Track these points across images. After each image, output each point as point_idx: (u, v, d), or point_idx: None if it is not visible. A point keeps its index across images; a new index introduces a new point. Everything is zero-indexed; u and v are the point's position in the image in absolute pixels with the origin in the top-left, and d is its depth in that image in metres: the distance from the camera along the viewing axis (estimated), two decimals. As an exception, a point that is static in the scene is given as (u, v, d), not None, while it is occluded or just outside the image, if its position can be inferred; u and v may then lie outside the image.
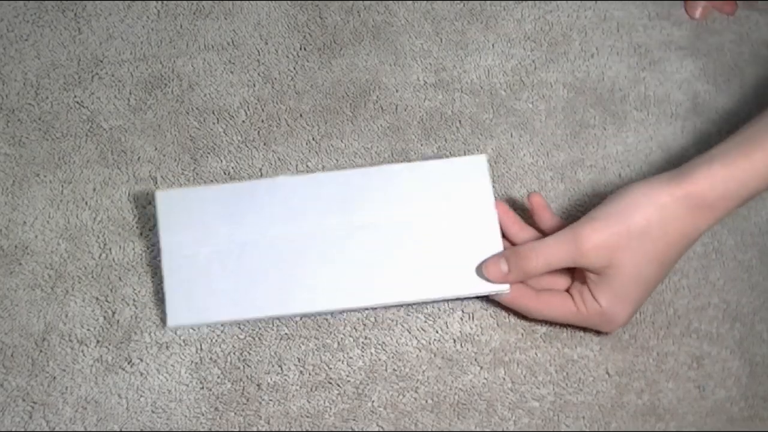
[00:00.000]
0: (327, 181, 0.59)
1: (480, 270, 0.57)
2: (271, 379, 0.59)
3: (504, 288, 0.57)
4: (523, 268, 0.55)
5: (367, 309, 0.60)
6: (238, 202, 0.58)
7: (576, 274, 0.58)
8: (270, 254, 0.58)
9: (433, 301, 0.60)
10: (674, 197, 0.53)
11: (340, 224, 0.58)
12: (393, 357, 0.60)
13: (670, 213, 0.53)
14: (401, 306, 0.60)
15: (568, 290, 0.58)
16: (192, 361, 0.59)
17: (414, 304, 0.60)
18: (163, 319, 0.59)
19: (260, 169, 0.64)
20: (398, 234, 0.58)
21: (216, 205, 0.58)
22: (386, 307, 0.60)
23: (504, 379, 0.59)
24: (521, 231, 0.59)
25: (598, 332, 0.60)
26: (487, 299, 0.60)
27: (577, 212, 0.65)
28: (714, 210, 0.53)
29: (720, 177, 0.53)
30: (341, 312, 0.60)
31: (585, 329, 0.60)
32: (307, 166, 0.65)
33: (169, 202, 0.58)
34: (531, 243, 0.56)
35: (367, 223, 0.58)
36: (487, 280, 0.57)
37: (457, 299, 0.60)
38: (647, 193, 0.54)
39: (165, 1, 0.70)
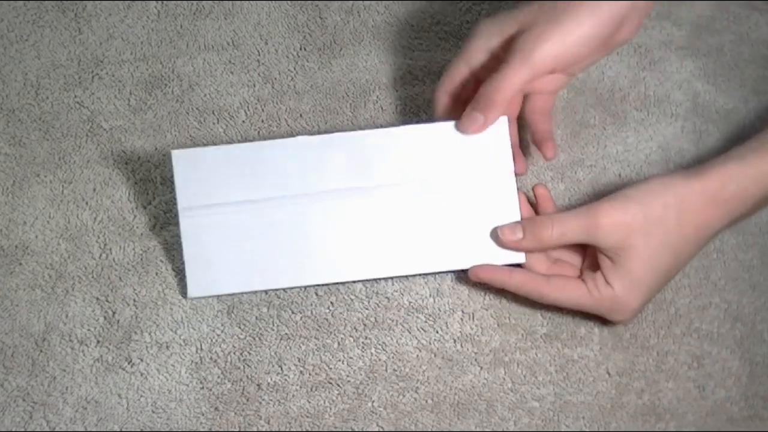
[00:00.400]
0: (345, 141, 0.57)
1: (495, 237, 0.57)
2: (271, 379, 0.59)
3: (519, 257, 0.56)
4: (539, 237, 0.55)
5: (382, 279, 0.59)
6: (255, 162, 0.57)
7: (588, 260, 0.58)
8: (288, 217, 0.57)
9: (448, 271, 0.59)
10: (692, 190, 0.54)
11: (357, 184, 0.57)
12: (393, 357, 0.60)
13: (687, 205, 0.54)
14: (415, 275, 0.60)
15: (579, 277, 0.58)
16: (192, 361, 0.59)
17: (429, 274, 0.59)
18: (183, 291, 0.58)
19: (260, 169, 0.64)
20: (415, 196, 0.57)
21: (233, 165, 0.57)
22: (401, 277, 0.59)
23: (504, 379, 0.59)
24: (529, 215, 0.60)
25: (604, 323, 0.60)
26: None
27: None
28: (729, 207, 0.54)
29: (735, 174, 0.54)
30: (355, 282, 0.60)
31: (594, 318, 0.59)
32: (307, 166, 0.65)
33: (185, 163, 0.57)
34: (548, 214, 0.57)
35: (384, 183, 0.57)
36: (503, 248, 0.57)
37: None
38: (666, 183, 0.55)
39: (165, 1, 0.70)
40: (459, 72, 0.58)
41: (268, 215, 0.56)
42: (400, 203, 0.57)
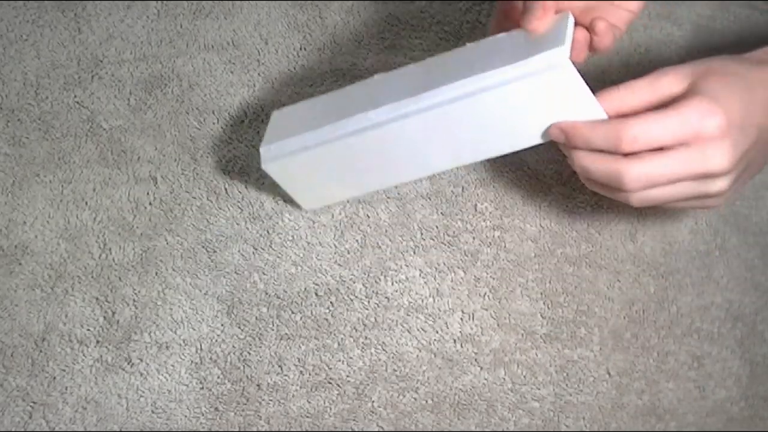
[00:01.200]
0: (417, 68, 0.56)
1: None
2: (271, 379, 0.59)
3: (600, 112, 0.50)
4: (605, 97, 0.51)
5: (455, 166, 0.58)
6: (337, 102, 0.57)
7: None
8: (370, 141, 0.56)
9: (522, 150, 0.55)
10: (738, 56, 0.53)
11: (429, 101, 0.54)
12: (393, 357, 0.59)
13: (738, 63, 0.52)
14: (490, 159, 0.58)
15: None
16: (192, 361, 0.59)
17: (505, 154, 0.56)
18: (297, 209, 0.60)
19: (260, 169, 0.64)
20: (484, 99, 0.52)
21: (317, 109, 0.58)
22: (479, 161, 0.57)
23: (504, 379, 0.59)
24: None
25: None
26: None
27: (577, 210, 0.65)
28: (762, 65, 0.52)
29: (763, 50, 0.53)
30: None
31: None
32: (307, 166, 0.65)
33: (278, 118, 0.60)
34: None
35: (454, 95, 0.53)
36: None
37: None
38: (718, 56, 0.53)
39: (165, 1, 0.70)
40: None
41: (350, 145, 0.56)
42: (471, 108, 0.53)
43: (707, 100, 0.49)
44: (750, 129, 0.50)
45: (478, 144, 0.54)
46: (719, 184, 0.50)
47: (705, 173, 0.49)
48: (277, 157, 0.57)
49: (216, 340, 0.59)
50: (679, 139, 0.49)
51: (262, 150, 0.57)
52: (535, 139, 0.53)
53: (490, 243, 0.64)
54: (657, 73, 0.51)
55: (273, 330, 0.60)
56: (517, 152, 0.54)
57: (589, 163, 0.51)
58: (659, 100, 0.51)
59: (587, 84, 0.49)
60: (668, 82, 0.51)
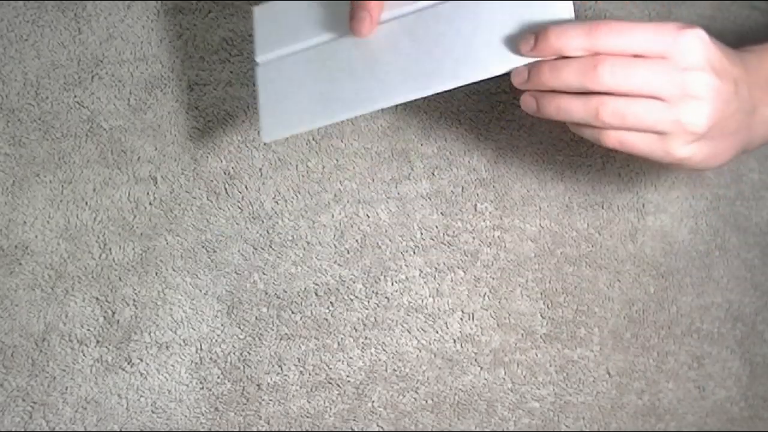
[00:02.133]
0: None
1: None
2: (271, 379, 0.59)
3: (568, 9, 0.49)
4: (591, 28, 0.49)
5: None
6: (325, 7, 0.57)
7: None
8: (348, 49, 0.56)
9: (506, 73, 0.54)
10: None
11: (408, 8, 0.55)
12: (393, 357, 0.59)
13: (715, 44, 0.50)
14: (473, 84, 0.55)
15: None
16: (192, 361, 0.59)
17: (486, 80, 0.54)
18: (259, 136, 0.57)
19: (260, 169, 0.64)
20: (462, 10, 0.53)
21: (305, 12, 0.58)
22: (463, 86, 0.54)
23: (504, 379, 0.59)
24: None
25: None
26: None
27: (577, 210, 0.65)
28: (743, 56, 0.51)
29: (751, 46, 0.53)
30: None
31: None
32: (307, 166, 0.65)
33: (264, 16, 0.59)
34: None
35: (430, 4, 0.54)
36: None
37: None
38: None
39: (165, 1, 0.69)
40: None
41: (333, 52, 0.56)
42: (449, 18, 0.53)
43: (685, 23, 0.47)
44: (728, 74, 0.49)
45: (452, 62, 0.53)
46: (694, 110, 0.48)
47: (680, 99, 0.48)
48: (271, 61, 0.57)
49: (216, 340, 0.59)
50: (656, 45, 0.47)
51: (257, 51, 0.57)
52: (507, 63, 0.51)
53: (490, 243, 0.64)
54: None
55: (273, 330, 0.60)
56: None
57: (558, 70, 0.49)
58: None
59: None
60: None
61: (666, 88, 0.47)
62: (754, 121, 0.51)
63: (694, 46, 0.48)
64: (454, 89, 0.60)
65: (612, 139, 0.49)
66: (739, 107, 0.50)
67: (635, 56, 0.47)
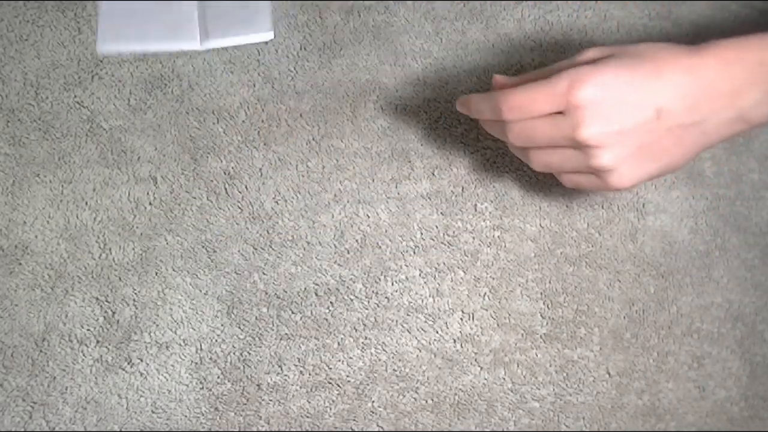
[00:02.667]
0: None
1: None
2: (271, 379, 0.59)
3: (266, 35, 0.56)
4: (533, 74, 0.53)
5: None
6: None
7: None
8: None
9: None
10: (676, 44, 0.52)
11: None
12: (393, 357, 0.59)
13: (667, 49, 0.51)
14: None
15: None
16: (192, 361, 0.59)
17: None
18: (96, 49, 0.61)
19: (260, 169, 0.64)
20: None
21: None
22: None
23: (504, 379, 0.59)
24: None
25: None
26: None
27: (577, 210, 0.65)
28: (700, 54, 0.51)
29: (715, 40, 0.52)
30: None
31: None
32: (307, 166, 0.65)
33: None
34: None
35: None
36: (248, 27, 0.58)
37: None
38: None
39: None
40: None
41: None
42: None
43: (584, 72, 0.49)
44: (640, 108, 0.50)
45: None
46: (598, 158, 0.50)
47: (577, 141, 0.50)
48: None
49: (216, 340, 0.59)
50: (552, 107, 0.50)
51: None
52: None
53: (490, 243, 0.64)
54: (581, 52, 0.52)
55: (273, 330, 0.60)
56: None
57: (486, 127, 0.56)
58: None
59: None
60: (589, 57, 0.51)
61: (568, 142, 0.51)
62: (707, 128, 0.51)
63: (584, 104, 0.49)
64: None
65: (540, 168, 0.54)
66: (670, 128, 0.50)
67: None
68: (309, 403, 0.58)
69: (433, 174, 0.62)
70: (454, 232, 0.64)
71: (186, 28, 0.59)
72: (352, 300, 0.61)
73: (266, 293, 0.61)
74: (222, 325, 0.60)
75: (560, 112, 0.50)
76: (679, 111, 0.50)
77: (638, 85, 0.50)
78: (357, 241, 0.63)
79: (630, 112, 0.50)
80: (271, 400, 0.58)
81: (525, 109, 0.51)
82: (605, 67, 0.50)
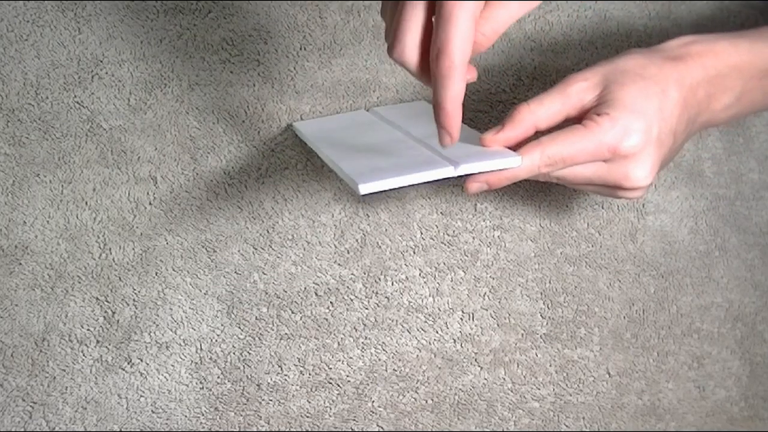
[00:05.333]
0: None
1: (485, 152, 0.53)
2: (271, 379, 0.59)
3: (514, 160, 0.51)
4: (519, 117, 0.52)
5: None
6: (363, 120, 0.61)
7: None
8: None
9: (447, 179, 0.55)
10: (650, 50, 0.53)
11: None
12: (393, 357, 0.59)
13: (650, 61, 0.52)
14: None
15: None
16: (192, 361, 0.59)
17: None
18: (354, 190, 0.52)
19: (260, 169, 0.64)
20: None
21: (348, 123, 0.61)
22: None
23: (504, 379, 0.59)
24: None
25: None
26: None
27: (577, 210, 0.65)
28: (678, 59, 0.52)
29: (676, 41, 0.53)
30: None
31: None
32: (307, 166, 0.65)
33: (306, 129, 0.62)
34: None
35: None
36: (494, 156, 0.52)
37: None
38: (628, 51, 0.54)
39: (165, 1, 0.69)
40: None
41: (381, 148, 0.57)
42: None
43: (624, 118, 0.50)
44: (666, 137, 0.51)
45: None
46: (637, 193, 0.52)
47: (622, 186, 0.51)
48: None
49: (216, 340, 0.59)
50: (596, 158, 0.50)
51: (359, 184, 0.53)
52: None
53: (490, 243, 0.64)
54: (565, 81, 0.52)
55: (273, 330, 0.60)
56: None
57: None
58: (574, 109, 0.52)
59: None
60: (578, 90, 0.51)
61: (611, 182, 0.51)
62: (681, 137, 0.53)
63: (632, 152, 0.50)
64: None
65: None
66: (675, 141, 0.52)
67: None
68: (309, 403, 0.58)
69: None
70: (454, 232, 0.64)
71: (432, 161, 0.55)
72: (352, 300, 0.61)
73: (266, 293, 0.61)
74: (222, 325, 0.60)
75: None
76: (673, 124, 0.51)
77: (661, 112, 0.50)
78: (357, 240, 0.63)
79: (662, 143, 0.51)
80: (271, 400, 0.58)
81: (567, 163, 0.51)
82: (637, 103, 0.50)
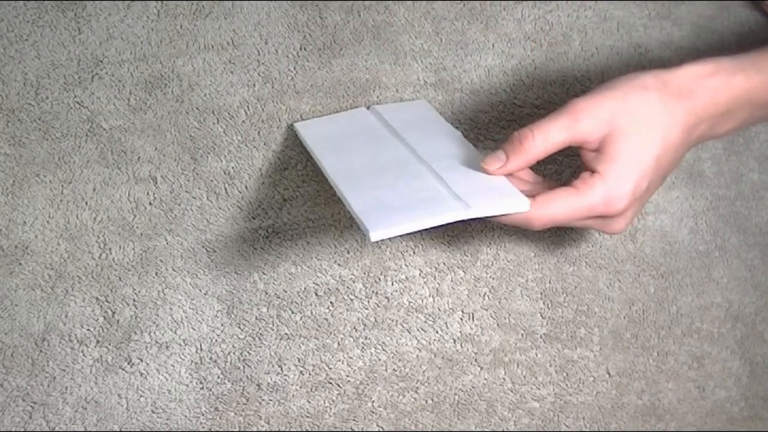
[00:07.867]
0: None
1: (491, 187, 0.54)
2: (271, 379, 0.59)
3: (523, 205, 0.52)
4: (523, 148, 0.53)
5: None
6: (364, 124, 0.61)
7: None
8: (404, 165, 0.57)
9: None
10: (662, 81, 0.53)
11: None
12: (393, 357, 0.59)
13: (659, 99, 0.52)
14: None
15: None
16: (192, 361, 0.59)
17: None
18: (365, 235, 0.51)
19: (260, 169, 0.64)
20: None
21: (349, 128, 0.61)
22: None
23: (504, 379, 0.59)
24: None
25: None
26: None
27: (577, 212, 0.65)
28: (689, 96, 0.52)
29: (693, 70, 0.53)
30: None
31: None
32: (307, 166, 0.65)
33: (307, 131, 0.62)
34: (526, 126, 0.54)
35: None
36: (502, 198, 0.53)
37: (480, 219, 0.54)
38: (634, 76, 0.54)
39: (165, 1, 0.69)
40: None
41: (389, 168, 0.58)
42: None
43: (615, 181, 0.51)
44: (656, 180, 0.53)
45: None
46: (615, 234, 0.56)
47: (601, 231, 0.54)
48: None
49: (216, 340, 0.59)
50: (586, 218, 0.52)
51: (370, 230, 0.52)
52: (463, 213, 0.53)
53: (490, 243, 0.64)
54: (573, 114, 0.52)
55: (273, 330, 0.60)
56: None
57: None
58: (576, 143, 0.52)
59: None
60: (586, 128, 0.52)
61: (596, 228, 0.54)
62: (693, 145, 0.54)
63: (622, 211, 0.52)
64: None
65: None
66: (666, 173, 0.54)
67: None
68: (309, 403, 0.58)
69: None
70: (454, 232, 0.64)
71: (442, 201, 0.54)
72: (352, 300, 0.61)
73: (266, 293, 0.61)
74: (222, 325, 0.60)
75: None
76: (667, 164, 0.52)
77: (657, 161, 0.51)
78: (357, 241, 0.63)
79: (650, 189, 0.52)
80: (271, 400, 0.58)
81: (557, 224, 0.52)
82: (634, 159, 0.51)
